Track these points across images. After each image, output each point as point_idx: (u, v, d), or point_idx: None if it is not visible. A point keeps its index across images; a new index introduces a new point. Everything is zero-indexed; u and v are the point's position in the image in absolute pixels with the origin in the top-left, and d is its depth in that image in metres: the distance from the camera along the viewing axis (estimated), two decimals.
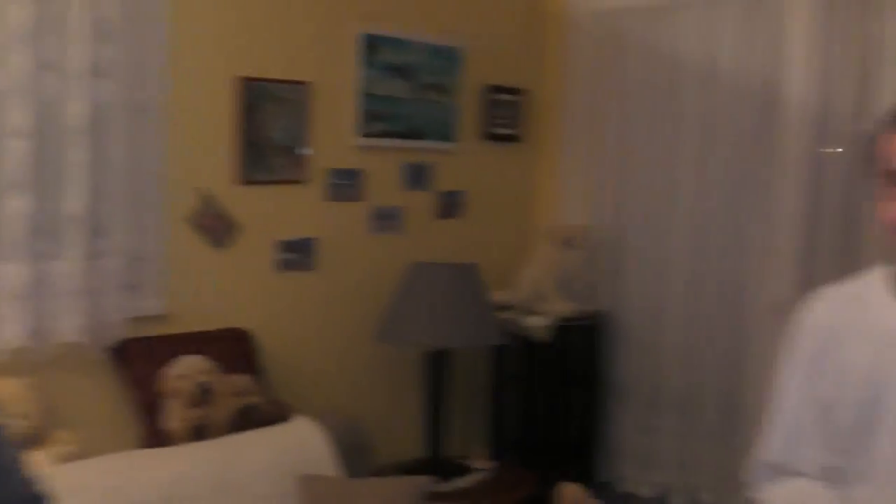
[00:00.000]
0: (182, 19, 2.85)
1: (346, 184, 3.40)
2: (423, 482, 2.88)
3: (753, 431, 3.37)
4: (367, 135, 3.44)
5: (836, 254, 3.32)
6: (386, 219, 3.57)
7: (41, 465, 2.41)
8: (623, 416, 4.02)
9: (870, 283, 1.41)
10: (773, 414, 1.52)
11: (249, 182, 3.09)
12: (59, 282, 2.57)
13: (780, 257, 3.41)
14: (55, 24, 2.53)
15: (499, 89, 3.96)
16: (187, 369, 2.75)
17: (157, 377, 2.71)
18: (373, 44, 3.39)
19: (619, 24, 3.89)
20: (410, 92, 3.57)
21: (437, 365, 3.46)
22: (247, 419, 2.81)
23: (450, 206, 3.84)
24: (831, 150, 3.34)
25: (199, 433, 2.71)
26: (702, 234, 3.71)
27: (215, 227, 3.02)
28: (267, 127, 3.11)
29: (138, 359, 2.75)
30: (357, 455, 2.99)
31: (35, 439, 2.45)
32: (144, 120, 2.80)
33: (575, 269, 3.95)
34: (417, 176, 3.68)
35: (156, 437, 2.67)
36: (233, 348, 2.96)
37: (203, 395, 2.73)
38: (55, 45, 2.54)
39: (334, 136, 3.33)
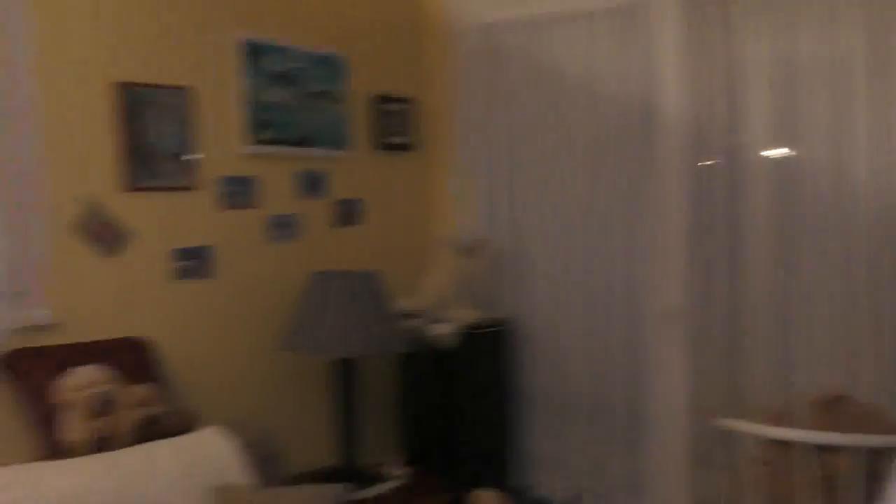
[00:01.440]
0: (50, 23, 2.78)
1: (239, 191, 3.36)
2: (338, 490, 2.80)
3: (659, 433, 3.57)
4: (257, 142, 3.42)
5: (722, 261, 3.45)
6: (282, 227, 3.54)
7: None
8: (533, 422, 4.04)
9: None
10: None
11: (137, 189, 3.01)
12: None
13: (669, 266, 3.53)
14: None
15: (387, 99, 4.02)
16: (84, 380, 2.62)
17: (52, 388, 2.57)
18: (255, 50, 3.40)
19: (502, 36, 4.02)
20: (298, 100, 3.58)
21: (346, 373, 3.41)
22: (151, 430, 2.69)
23: (347, 214, 3.84)
24: (710, 161, 3.49)
25: (101, 445, 2.57)
26: (594, 243, 3.81)
27: (103, 234, 2.92)
28: (150, 133, 3.05)
29: (29, 369, 2.61)
30: (269, 464, 2.90)
31: None
32: (17, 126, 2.70)
33: (476, 277, 3.99)
34: (312, 184, 3.67)
35: (54, 449, 2.52)
36: (131, 358, 2.85)
37: (103, 406, 2.60)
38: None
39: (223, 143, 3.30)
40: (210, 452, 2.71)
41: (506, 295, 4.07)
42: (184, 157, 3.15)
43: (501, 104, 4.03)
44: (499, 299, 4.06)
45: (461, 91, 4.13)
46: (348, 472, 3.37)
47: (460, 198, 4.17)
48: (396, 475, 3.51)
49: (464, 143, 4.15)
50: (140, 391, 2.74)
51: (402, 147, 4.13)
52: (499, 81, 4.03)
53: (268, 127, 3.47)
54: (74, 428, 2.57)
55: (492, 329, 3.93)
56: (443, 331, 3.79)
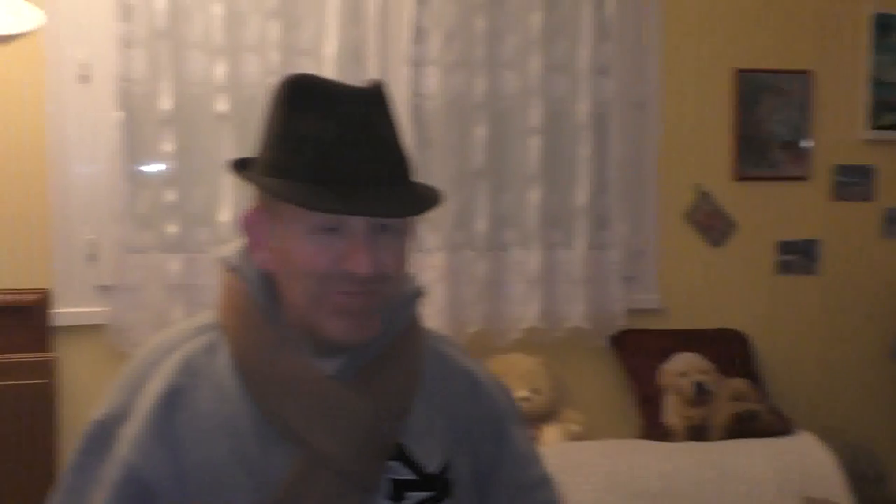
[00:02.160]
0: (677, 14, 2.86)
1: (853, 181, 3.07)
2: None
3: None
4: (877, 127, 3.08)
5: None
6: None
7: (551, 440, 2.52)
8: None
9: None
10: None
11: (746, 178, 2.94)
12: (566, 270, 2.69)
13: None
14: (565, 27, 2.68)
15: None
16: (687, 367, 2.67)
17: (656, 371, 2.68)
18: (884, 24, 3.04)
19: None
20: None
21: None
22: (745, 426, 2.64)
23: None
24: None
25: (696, 433, 2.61)
26: None
27: (712, 224, 2.93)
28: (765, 120, 2.95)
29: (635, 350, 2.76)
30: (868, 484, 2.65)
31: (547, 415, 2.56)
32: (642, 116, 2.84)
33: None
34: None
35: (654, 429, 2.63)
36: (728, 350, 2.82)
37: (701, 395, 2.63)
38: (564, 48, 2.69)
39: (840, 129, 3.04)
40: (805, 461, 2.58)
41: None
42: (801, 144, 2.99)
43: None
44: None
45: None
46: None
47: None
48: None
49: None
50: (737, 385, 2.71)
51: None
52: None
53: (891, 110, 3.10)
54: (674, 413, 2.64)
55: None
56: None
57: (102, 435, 0.98)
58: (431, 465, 1.02)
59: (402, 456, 1.01)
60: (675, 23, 2.86)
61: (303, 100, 0.96)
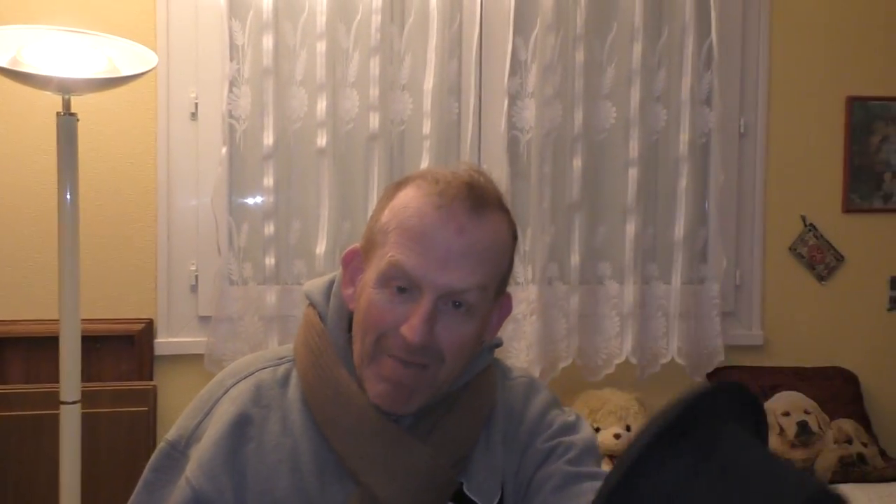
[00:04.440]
0: (785, 39, 2.77)
1: None
2: None
3: None
4: None
5: None
6: None
7: None
8: None
9: None
10: None
11: (855, 210, 2.82)
12: (662, 304, 2.63)
13: None
14: (666, 57, 2.62)
15: None
16: (789, 406, 2.58)
17: None
18: None
19: None
20: None
21: None
22: (851, 470, 2.53)
23: None
24: None
25: None
26: None
27: (818, 257, 2.82)
28: (877, 150, 2.82)
29: None
30: None
31: None
32: (746, 145, 2.76)
33: None
34: None
35: None
36: (835, 389, 2.71)
37: (805, 436, 2.53)
38: (665, 78, 2.63)
39: None
40: None
41: None
42: None
43: None
44: None
45: None
46: None
47: None
48: None
49: None
50: (844, 426, 2.60)
51: None
52: None
53: None
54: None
55: None
56: None
57: (173, 454, 1.01)
58: (489, 502, 1.01)
59: (461, 497, 1.01)
60: (782, 49, 2.77)
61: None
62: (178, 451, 1.01)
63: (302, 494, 0.97)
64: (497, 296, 1.03)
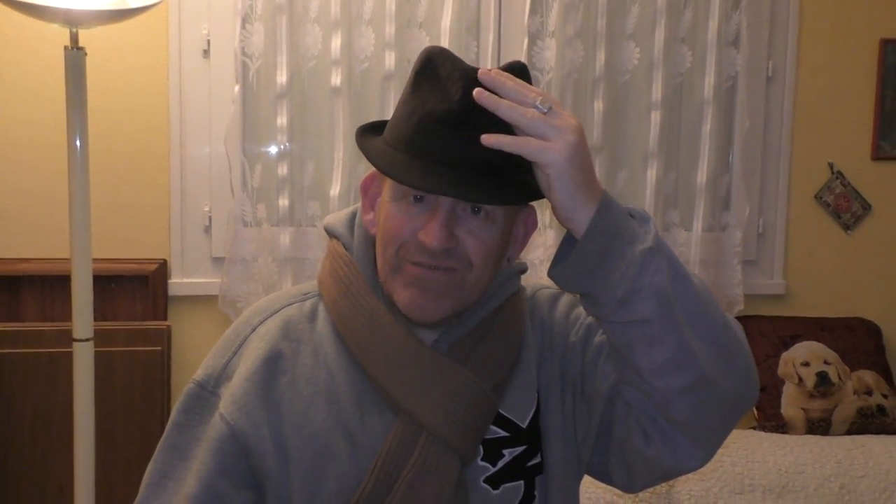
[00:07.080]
0: None
1: None
2: None
3: None
4: None
5: None
6: None
7: None
8: None
9: None
10: None
11: (885, 158, 2.74)
12: (682, 251, 2.58)
13: None
14: None
15: None
16: (809, 356, 2.55)
17: (775, 359, 2.56)
18: None
19: None
20: None
21: None
22: (870, 422, 2.50)
23: None
24: None
25: (816, 427, 2.49)
26: None
27: (845, 205, 2.75)
28: None
29: (754, 337, 2.62)
30: None
31: None
32: (773, 89, 2.68)
33: None
34: None
35: (771, 421, 2.51)
36: (857, 341, 2.66)
37: (824, 387, 2.50)
38: (691, 18, 2.54)
39: None
40: None
41: None
42: None
43: None
44: None
45: None
46: None
47: None
48: None
49: None
50: (865, 377, 2.57)
51: None
52: None
53: None
54: (792, 404, 2.52)
55: None
56: None
57: (203, 394, 1.01)
58: (525, 420, 1.02)
59: (498, 417, 1.01)
60: None
61: (424, 74, 0.94)
62: (208, 391, 1.00)
63: (341, 425, 0.97)
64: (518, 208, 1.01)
